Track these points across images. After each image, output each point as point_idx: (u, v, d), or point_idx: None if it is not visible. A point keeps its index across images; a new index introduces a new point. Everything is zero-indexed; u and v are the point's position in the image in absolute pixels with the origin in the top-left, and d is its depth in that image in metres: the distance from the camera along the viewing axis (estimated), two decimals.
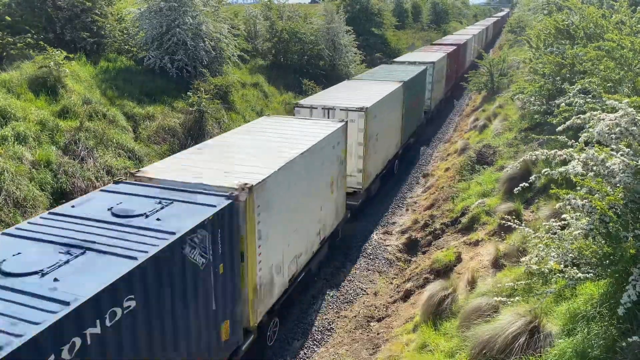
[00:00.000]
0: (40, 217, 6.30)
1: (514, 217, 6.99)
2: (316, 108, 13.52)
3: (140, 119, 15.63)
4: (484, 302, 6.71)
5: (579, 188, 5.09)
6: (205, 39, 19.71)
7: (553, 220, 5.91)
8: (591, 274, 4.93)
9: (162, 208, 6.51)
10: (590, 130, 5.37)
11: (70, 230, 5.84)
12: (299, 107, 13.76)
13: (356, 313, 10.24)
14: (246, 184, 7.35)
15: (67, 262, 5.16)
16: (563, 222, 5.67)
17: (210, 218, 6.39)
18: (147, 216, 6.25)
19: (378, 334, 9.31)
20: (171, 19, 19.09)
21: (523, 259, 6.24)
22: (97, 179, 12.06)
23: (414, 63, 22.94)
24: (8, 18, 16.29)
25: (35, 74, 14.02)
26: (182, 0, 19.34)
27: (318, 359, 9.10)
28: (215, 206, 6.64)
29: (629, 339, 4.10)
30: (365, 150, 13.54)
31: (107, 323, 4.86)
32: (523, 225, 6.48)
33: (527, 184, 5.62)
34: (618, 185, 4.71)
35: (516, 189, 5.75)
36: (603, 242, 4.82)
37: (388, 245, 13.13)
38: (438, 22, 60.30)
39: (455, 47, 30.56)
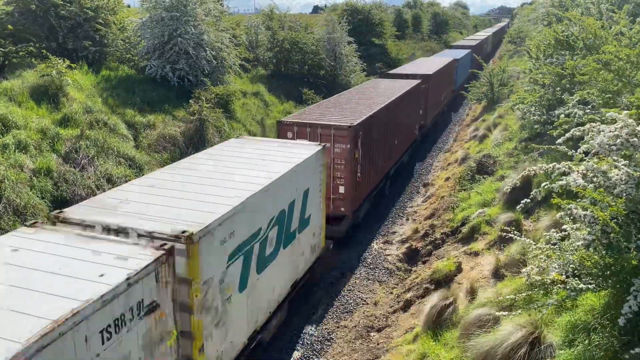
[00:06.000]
0: None
1: (513, 227, 6.99)
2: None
3: (141, 127, 15.67)
4: (485, 312, 6.69)
5: (579, 199, 5.09)
6: (207, 48, 19.83)
7: (553, 230, 5.90)
8: (592, 285, 4.92)
9: None
10: (590, 141, 5.39)
11: None
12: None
13: (356, 323, 10.19)
14: None
15: None
16: (563, 232, 5.67)
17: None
18: None
19: (378, 344, 9.25)
20: (173, 28, 19.22)
21: (524, 270, 6.22)
22: (98, 187, 12.07)
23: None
24: (10, 27, 16.37)
25: (37, 83, 14.07)
26: (184, 10, 19.49)
27: None
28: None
29: (631, 350, 4.07)
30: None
31: None
32: (523, 236, 6.47)
33: (529, 200, 5.64)
34: (620, 196, 4.71)
35: (518, 206, 5.76)
36: (604, 252, 4.81)
37: (388, 255, 13.09)
38: (438, 32, 60.71)
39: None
